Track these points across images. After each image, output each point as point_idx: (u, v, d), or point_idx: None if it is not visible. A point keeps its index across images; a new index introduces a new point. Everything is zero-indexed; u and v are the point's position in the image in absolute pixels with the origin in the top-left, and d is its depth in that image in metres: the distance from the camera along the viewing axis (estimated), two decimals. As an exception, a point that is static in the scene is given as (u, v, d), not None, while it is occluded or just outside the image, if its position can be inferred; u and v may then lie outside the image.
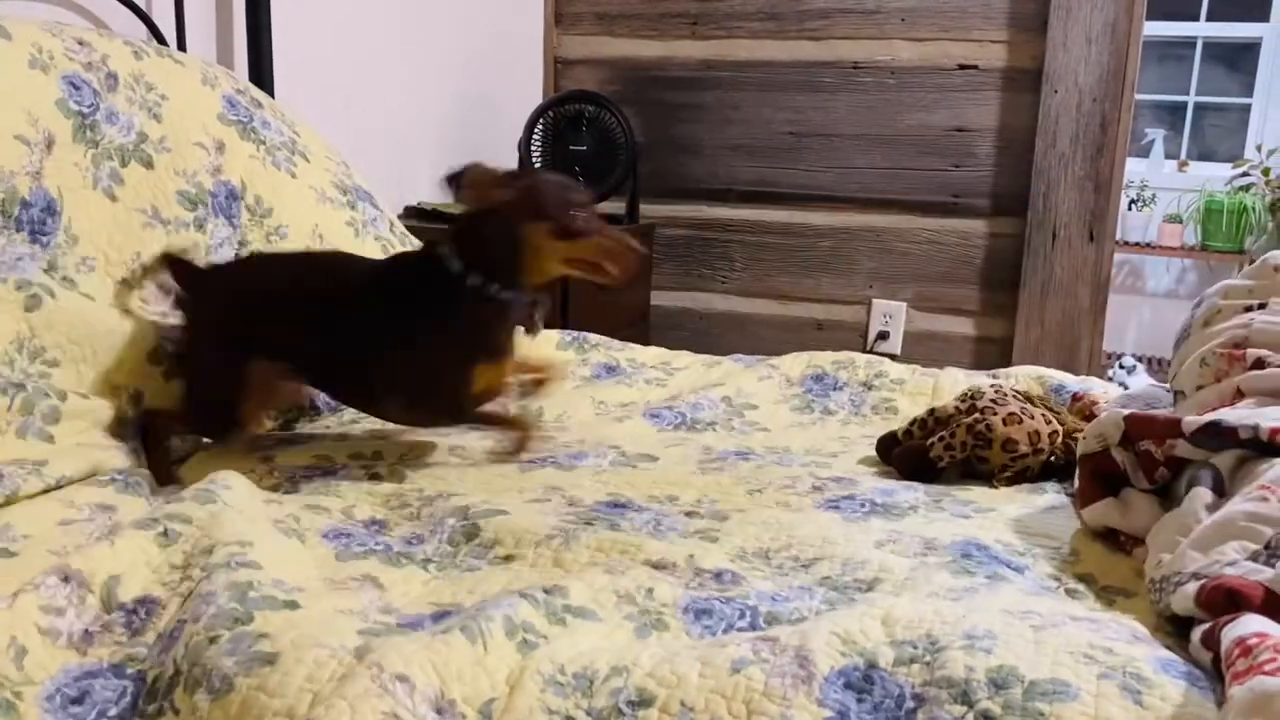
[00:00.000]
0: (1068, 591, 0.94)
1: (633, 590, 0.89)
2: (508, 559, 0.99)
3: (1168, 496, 1.01)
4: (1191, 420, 0.98)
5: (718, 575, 0.94)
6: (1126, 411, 1.05)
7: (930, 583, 0.92)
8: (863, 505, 1.15)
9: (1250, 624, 0.69)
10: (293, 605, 0.83)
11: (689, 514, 1.11)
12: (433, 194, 2.65)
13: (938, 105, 2.86)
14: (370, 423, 1.44)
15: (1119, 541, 1.03)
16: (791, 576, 0.95)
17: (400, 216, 2.39)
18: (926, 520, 1.11)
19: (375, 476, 1.23)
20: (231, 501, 1.04)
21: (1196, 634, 0.76)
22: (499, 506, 1.08)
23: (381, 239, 1.83)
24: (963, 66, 2.83)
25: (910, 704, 0.70)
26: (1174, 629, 0.82)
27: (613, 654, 0.78)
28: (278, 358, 1.32)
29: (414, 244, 1.92)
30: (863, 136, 2.92)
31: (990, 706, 0.67)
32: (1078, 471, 1.11)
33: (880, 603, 0.83)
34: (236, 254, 1.55)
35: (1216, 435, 0.95)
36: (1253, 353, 1.11)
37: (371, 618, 0.84)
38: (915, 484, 1.23)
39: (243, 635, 0.78)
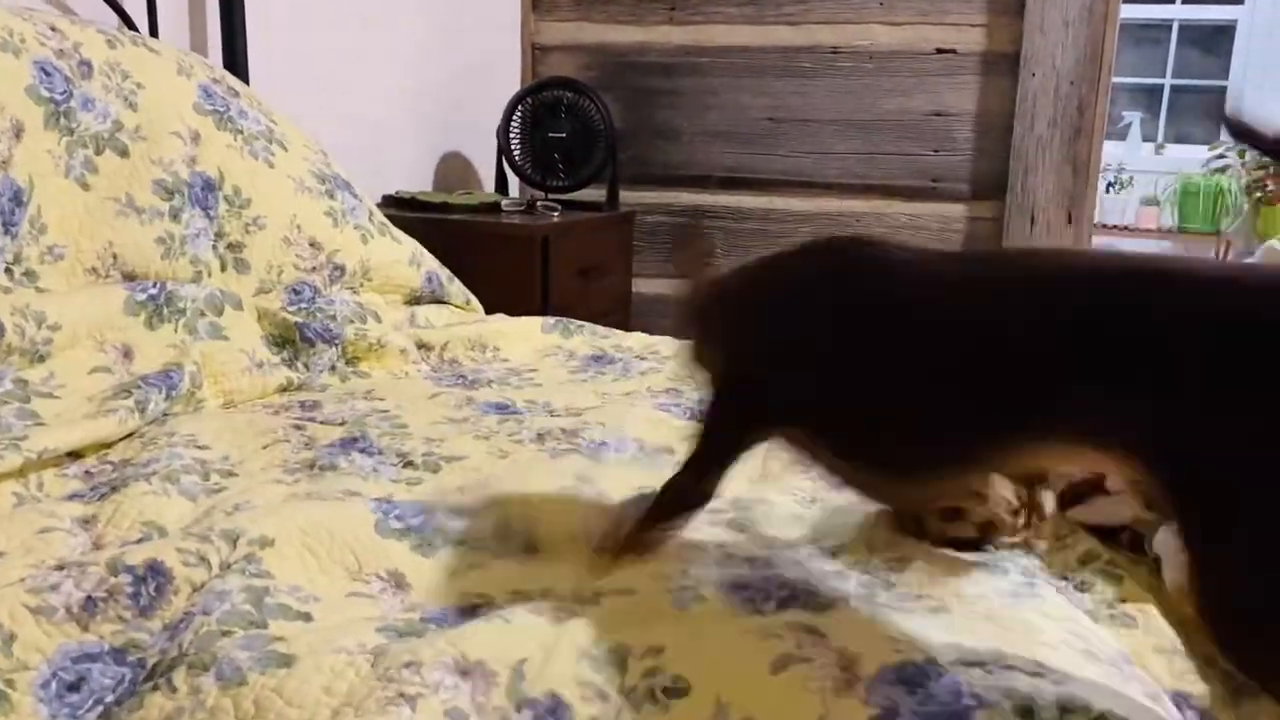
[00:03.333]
0: (1078, 587, 0.94)
1: (667, 570, 0.88)
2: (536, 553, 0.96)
3: None
4: None
5: (751, 560, 0.93)
6: None
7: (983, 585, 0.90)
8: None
9: None
10: (307, 618, 0.81)
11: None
12: (411, 182, 2.62)
13: (916, 89, 2.86)
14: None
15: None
16: (821, 561, 0.94)
17: (379, 205, 2.36)
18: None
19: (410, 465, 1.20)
20: (258, 514, 1.00)
21: None
22: (534, 510, 1.05)
23: (361, 228, 1.80)
24: (941, 50, 2.83)
25: (969, 701, 0.67)
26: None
27: (648, 633, 0.76)
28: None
29: (394, 234, 1.90)
30: (841, 121, 2.92)
31: None
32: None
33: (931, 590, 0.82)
34: None
35: None
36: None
37: (392, 619, 0.82)
38: None
39: (257, 636, 0.76)
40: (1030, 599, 0.87)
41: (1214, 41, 5.12)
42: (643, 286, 3.10)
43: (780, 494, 1.14)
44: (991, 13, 2.77)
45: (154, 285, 1.42)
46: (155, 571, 0.84)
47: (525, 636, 0.75)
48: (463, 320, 1.84)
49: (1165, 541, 0.95)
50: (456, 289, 1.95)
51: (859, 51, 2.88)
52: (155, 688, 0.72)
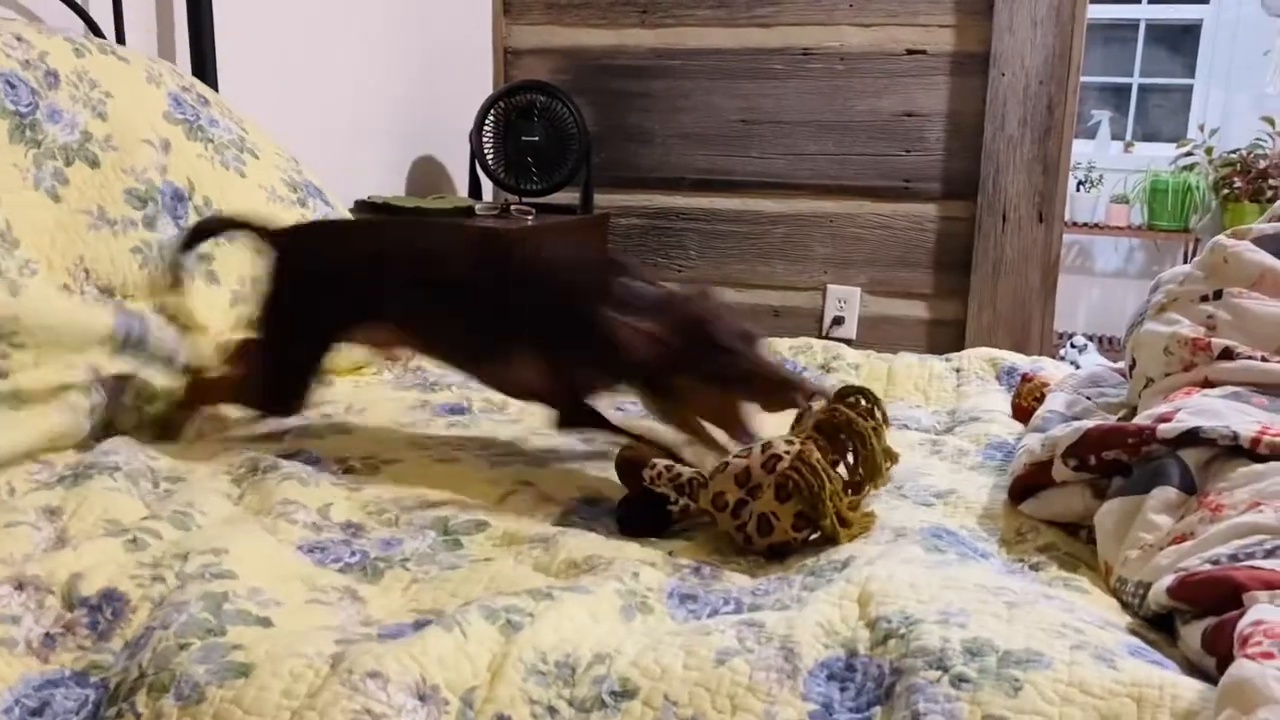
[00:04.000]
0: (1032, 567, 0.96)
1: (621, 572, 0.90)
2: (488, 560, 0.98)
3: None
4: (1169, 428, 0.98)
5: (696, 569, 0.95)
6: (1089, 424, 1.06)
7: (903, 554, 0.93)
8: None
9: (1252, 613, 0.69)
10: (267, 623, 0.81)
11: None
12: (383, 186, 2.62)
13: (887, 90, 2.88)
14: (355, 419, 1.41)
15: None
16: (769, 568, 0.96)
17: (351, 210, 2.36)
18: (890, 508, 1.12)
19: (350, 470, 1.21)
20: (207, 528, 1.01)
21: (1194, 635, 0.76)
22: (478, 516, 1.07)
23: (334, 235, 1.80)
24: (911, 51, 2.85)
25: (890, 679, 0.71)
26: (1150, 626, 0.83)
27: (596, 640, 0.77)
28: (391, 321, 1.28)
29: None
30: (813, 123, 2.94)
31: (965, 671, 0.69)
32: (1014, 473, 1.12)
33: (856, 577, 0.84)
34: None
35: (1194, 442, 0.96)
36: (1218, 343, 1.12)
37: (350, 631, 0.83)
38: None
39: (215, 646, 0.76)
40: (959, 563, 0.91)
41: (1180, 40, 5.18)
42: (618, 289, 3.10)
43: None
44: (960, 13, 2.79)
45: (139, 322, 1.40)
46: (111, 598, 0.85)
47: (480, 650, 0.76)
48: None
49: (1102, 517, 0.97)
50: (429, 294, 1.95)
51: (830, 53, 2.90)
52: (119, 714, 0.74)
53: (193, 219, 1.60)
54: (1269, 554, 0.81)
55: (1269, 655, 0.60)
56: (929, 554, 0.93)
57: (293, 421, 1.34)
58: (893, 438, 1.19)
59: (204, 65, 1.98)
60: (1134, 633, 0.80)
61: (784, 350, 1.78)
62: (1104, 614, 0.82)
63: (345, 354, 1.63)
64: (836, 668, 0.73)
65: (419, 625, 0.82)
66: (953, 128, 2.85)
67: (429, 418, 1.44)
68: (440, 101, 2.84)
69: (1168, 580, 0.81)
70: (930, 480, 1.19)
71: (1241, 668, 0.60)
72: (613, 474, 1.11)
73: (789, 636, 0.75)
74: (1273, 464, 0.92)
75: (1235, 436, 0.94)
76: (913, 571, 0.84)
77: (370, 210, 2.41)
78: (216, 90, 1.95)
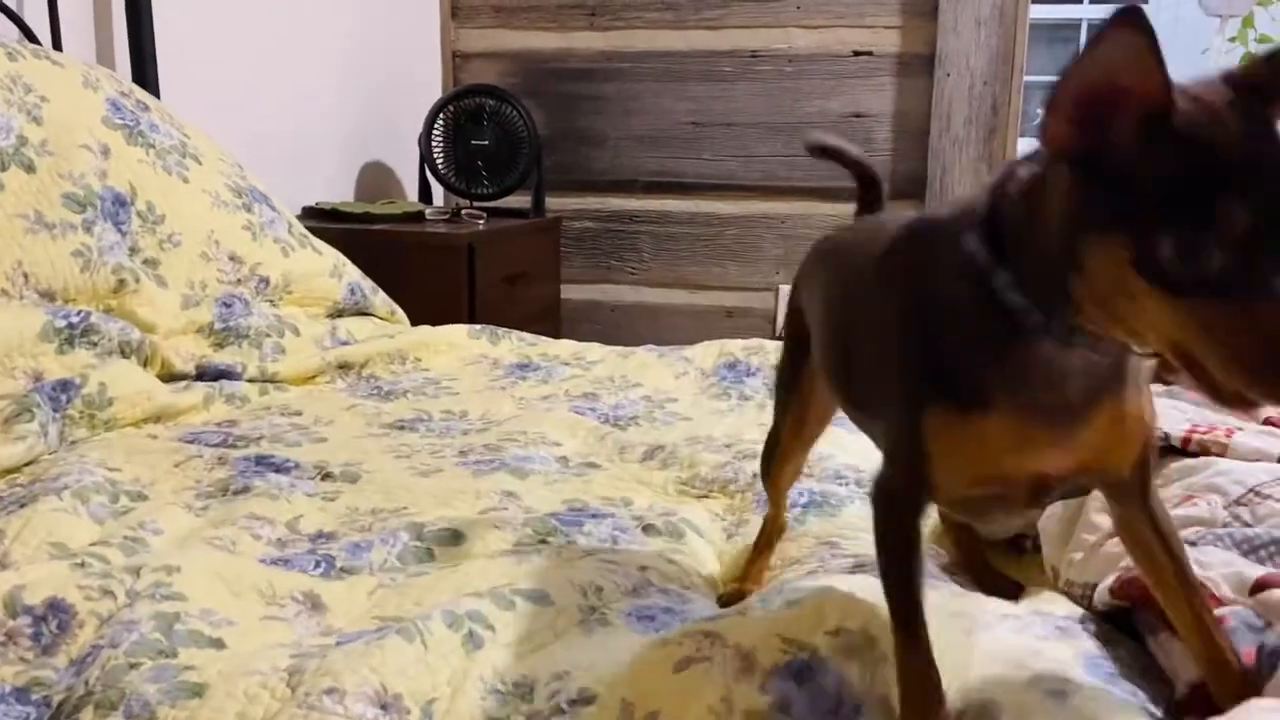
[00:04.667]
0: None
1: (583, 583, 0.89)
2: (456, 567, 0.97)
3: None
4: None
5: (664, 590, 0.95)
6: None
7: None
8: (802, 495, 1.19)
9: None
10: (220, 644, 0.80)
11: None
12: (331, 192, 2.59)
13: (835, 92, 2.90)
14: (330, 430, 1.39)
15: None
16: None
17: (299, 217, 2.33)
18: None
19: (328, 477, 1.20)
20: (160, 547, 0.99)
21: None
22: (453, 525, 1.06)
23: (280, 241, 1.78)
24: (858, 53, 2.87)
25: (850, 702, 0.71)
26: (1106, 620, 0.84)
27: (554, 660, 0.77)
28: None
29: (315, 245, 1.88)
30: (763, 124, 2.95)
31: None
32: None
33: (813, 591, 0.83)
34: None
35: None
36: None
37: (307, 644, 0.81)
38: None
39: (167, 667, 0.75)
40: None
41: (1121, 40, 5.28)
42: (572, 293, 3.10)
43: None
44: (906, 14, 2.82)
45: (77, 314, 1.39)
46: (56, 609, 0.82)
47: (440, 664, 0.76)
48: (386, 332, 1.82)
49: (1045, 522, 0.98)
50: (380, 300, 1.93)
51: (778, 55, 2.92)
52: (63, 731, 0.71)
53: (135, 225, 1.57)
54: (1194, 544, 0.83)
55: None
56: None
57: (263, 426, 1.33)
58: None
59: (144, 72, 1.94)
60: (1091, 626, 0.80)
61: (738, 351, 1.78)
62: (1056, 617, 0.82)
63: (294, 362, 1.62)
64: (797, 668, 0.73)
65: (381, 632, 0.81)
66: (900, 128, 2.88)
67: (400, 426, 1.42)
68: (389, 106, 2.82)
69: (1109, 579, 0.82)
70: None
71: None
72: (598, 486, 1.10)
73: (743, 644, 0.75)
74: (1203, 459, 0.94)
75: (1167, 437, 0.96)
76: (867, 588, 0.83)
77: (318, 216, 2.38)
78: (158, 97, 1.92)
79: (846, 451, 1.31)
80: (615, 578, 0.94)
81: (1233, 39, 4.61)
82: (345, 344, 1.74)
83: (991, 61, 2.75)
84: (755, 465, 1.09)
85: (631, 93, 3.01)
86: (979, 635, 0.77)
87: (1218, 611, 0.76)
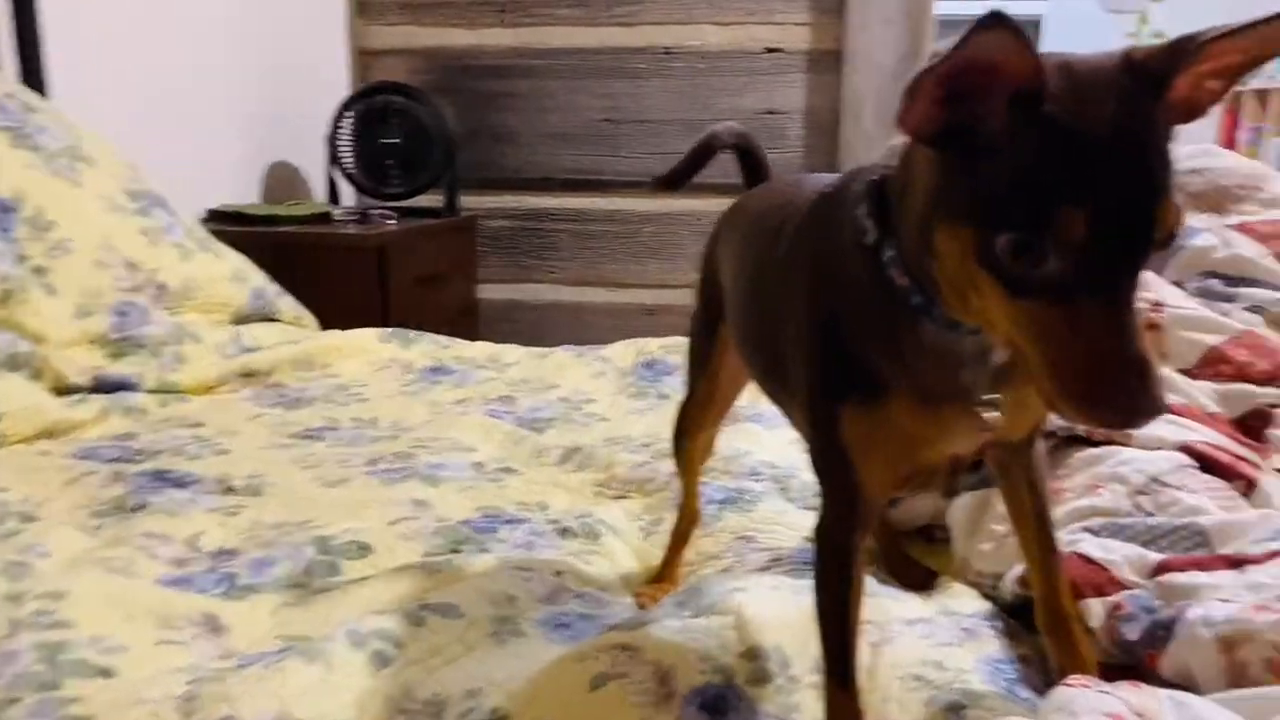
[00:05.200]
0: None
1: (495, 592, 0.87)
2: (364, 581, 0.94)
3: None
4: None
5: (579, 595, 0.93)
6: None
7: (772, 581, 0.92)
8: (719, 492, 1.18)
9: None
10: (109, 673, 0.76)
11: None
12: (235, 194, 2.52)
13: (748, 88, 2.91)
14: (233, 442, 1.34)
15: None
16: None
17: (202, 220, 2.26)
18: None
19: (230, 490, 1.15)
20: (47, 571, 0.93)
21: None
22: (361, 538, 1.03)
23: (179, 246, 1.72)
24: (769, 49, 2.89)
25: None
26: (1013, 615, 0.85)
27: (466, 675, 0.75)
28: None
29: (216, 250, 1.82)
30: (678, 121, 2.95)
31: None
32: None
33: (730, 604, 0.82)
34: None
35: None
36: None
37: (204, 668, 0.78)
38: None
39: (49, 700, 0.71)
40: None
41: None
42: (489, 293, 3.06)
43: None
44: (814, 11, 2.84)
45: None
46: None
47: (345, 685, 0.73)
48: (293, 338, 1.77)
49: (953, 513, 0.99)
50: (287, 305, 1.88)
51: (691, 52, 2.92)
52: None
53: (23, 232, 1.50)
54: (1097, 533, 0.84)
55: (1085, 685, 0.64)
56: (795, 580, 0.92)
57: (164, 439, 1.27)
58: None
59: (33, 73, 1.86)
60: (997, 623, 0.81)
61: (655, 350, 1.77)
62: (960, 618, 0.82)
63: (195, 371, 1.57)
64: (709, 695, 0.72)
65: (283, 653, 0.78)
66: (812, 124, 2.90)
67: (307, 436, 1.38)
68: (294, 105, 2.75)
69: (1016, 570, 0.83)
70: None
71: (1063, 693, 0.63)
72: (513, 491, 1.08)
73: (662, 661, 0.73)
74: (1106, 448, 0.96)
75: (1071, 426, 0.98)
76: (782, 599, 0.83)
77: (222, 219, 2.31)
78: (47, 98, 1.84)
79: (762, 448, 1.31)
80: (529, 585, 0.92)
81: (1130, 35, 4.74)
82: (250, 351, 1.69)
83: (900, 58, 2.78)
84: (672, 464, 1.07)
85: (545, 90, 2.98)
86: (885, 649, 0.77)
87: (1114, 597, 0.77)
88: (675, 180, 0.98)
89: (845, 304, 0.65)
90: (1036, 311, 0.51)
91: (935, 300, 0.60)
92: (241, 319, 1.78)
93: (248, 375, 1.62)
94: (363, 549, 1.01)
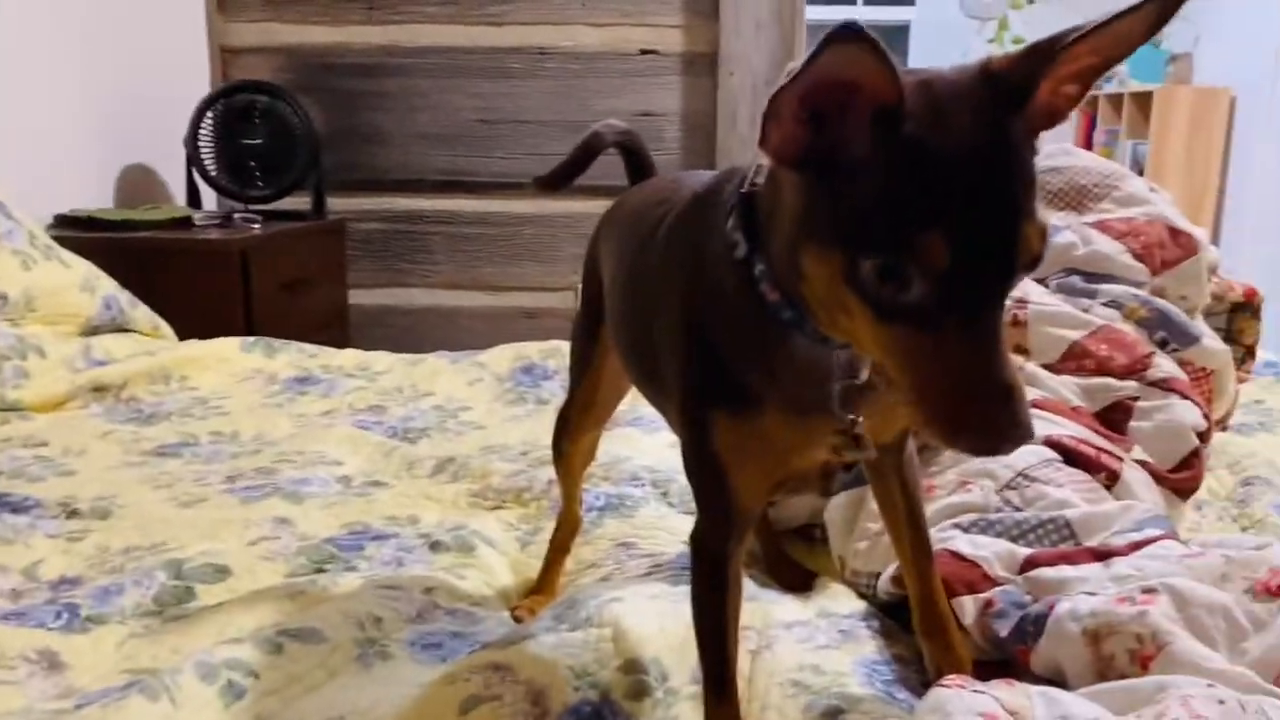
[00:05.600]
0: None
1: (361, 614, 0.83)
2: (220, 607, 0.89)
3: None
4: None
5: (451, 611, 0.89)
6: None
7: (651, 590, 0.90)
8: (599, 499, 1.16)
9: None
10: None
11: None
12: (87, 198, 2.38)
13: (624, 90, 2.90)
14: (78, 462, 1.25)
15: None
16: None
17: (50, 226, 2.12)
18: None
19: (74, 514, 1.07)
20: None
21: None
22: (218, 560, 0.96)
23: (20, 253, 1.61)
24: (644, 51, 2.88)
25: None
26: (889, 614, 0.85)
27: (327, 703, 0.71)
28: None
29: (63, 257, 1.71)
30: (554, 123, 2.91)
31: None
32: None
33: (607, 615, 0.80)
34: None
35: None
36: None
37: (39, 711, 0.72)
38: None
39: None
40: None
41: (893, 39, 5.56)
42: (361, 298, 2.97)
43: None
44: (688, 14, 2.84)
45: None
46: None
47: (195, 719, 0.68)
48: (148, 350, 1.68)
49: (830, 513, 0.99)
50: (141, 314, 1.78)
51: (565, 53, 2.89)
52: None
53: None
54: (967, 529, 0.85)
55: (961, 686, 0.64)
56: (675, 586, 0.91)
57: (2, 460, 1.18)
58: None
59: None
60: (874, 623, 0.81)
61: (534, 354, 1.74)
62: (839, 620, 0.82)
63: (39, 387, 1.47)
64: (584, 713, 0.69)
65: (127, 689, 0.72)
66: (688, 127, 2.91)
67: (162, 453, 1.30)
68: (151, 104, 2.61)
69: (891, 569, 0.83)
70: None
71: (938, 694, 0.64)
72: (381, 506, 1.04)
73: (535, 680, 0.71)
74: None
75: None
76: (660, 609, 0.81)
77: (71, 225, 2.18)
78: None
79: (642, 453, 1.29)
80: (397, 605, 0.89)
81: (991, 40, 4.92)
82: (101, 364, 1.59)
83: (773, 62, 2.81)
84: (551, 472, 1.05)
85: (416, 89, 2.91)
86: (764, 655, 0.76)
87: (988, 593, 0.78)
88: (557, 180, 0.96)
89: (717, 313, 0.64)
90: (904, 337, 0.51)
91: (806, 316, 0.58)
92: (91, 330, 1.68)
93: (98, 390, 1.53)
94: (220, 572, 0.96)
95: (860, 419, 0.63)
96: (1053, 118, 0.55)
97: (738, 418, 0.64)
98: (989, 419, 0.49)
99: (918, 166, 0.49)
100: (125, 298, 1.76)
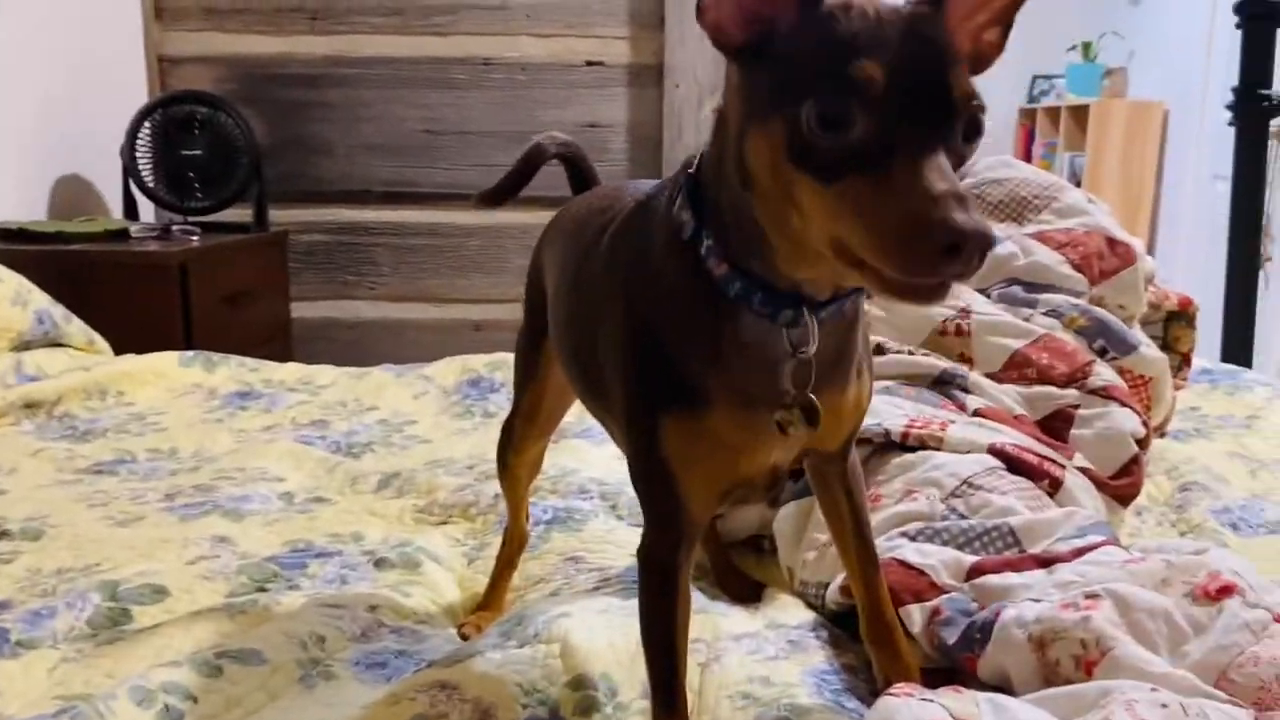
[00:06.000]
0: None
1: (303, 634, 0.81)
2: (157, 629, 0.86)
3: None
4: None
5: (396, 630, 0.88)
6: None
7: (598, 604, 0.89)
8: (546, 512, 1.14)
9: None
10: None
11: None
12: (18, 210, 2.32)
13: (570, 101, 2.90)
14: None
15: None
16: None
17: (-22, 238, 2.07)
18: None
19: (4, 535, 1.04)
20: None
21: None
22: (155, 580, 0.94)
23: (-54, 267, 1.57)
24: (590, 63, 2.88)
25: None
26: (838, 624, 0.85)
27: None
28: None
29: (-8, 271, 1.67)
30: (499, 133, 2.90)
31: None
32: None
33: (556, 631, 0.79)
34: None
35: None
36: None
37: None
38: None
39: None
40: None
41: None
42: (305, 311, 2.93)
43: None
44: (634, 25, 2.85)
45: None
46: None
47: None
48: (82, 365, 1.64)
49: (779, 524, 1.00)
50: (76, 329, 1.74)
51: (510, 63, 2.88)
52: None
53: None
54: (914, 538, 0.85)
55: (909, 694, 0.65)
56: (624, 601, 0.90)
57: None
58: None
59: None
60: (823, 633, 0.81)
61: (480, 367, 1.73)
62: (788, 630, 0.82)
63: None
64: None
65: (58, 716, 0.70)
66: (635, 138, 2.91)
67: (97, 471, 1.27)
68: (87, 114, 2.55)
69: (838, 579, 0.83)
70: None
71: (886, 704, 0.64)
72: (324, 522, 1.03)
73: (482, 698, 0.70)
74: (921, 453, 0.98)
75: (887, 433, 0.99)
76: (609, 623, 0.80)
77: (2, 238, 2.12)
78: None
79: (590, 465, 1.29)
80: (340, 623, 0.87)
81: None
82: (34, 380, 1.55)
83: (717, 74, 2.82)
84: (498, 486, 1.04)
85: (360, 99, 2.88)
86: (714, 668, 0.76)
87: (933, 601, 0.78)
88: (499, 196, 0.95)
89: (662, 309, 0.64)
90: (853, 192, 0.51)
91: (753, 289, 0.60)
92: (23, 345, 1.63)
93: (30, 406, 1.49)
94: (157, 593, 0.94)
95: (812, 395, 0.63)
96: (979, 61, 0.58)
97: (685, 418, 0.63)
98: (944, 238, 0.48)
99: (846, 19, 0.53)
100: (59, 312, 1.72)
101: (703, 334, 0.62)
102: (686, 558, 0.67)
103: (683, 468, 0.64)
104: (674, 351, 0.63)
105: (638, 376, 0.66)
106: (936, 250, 0.48)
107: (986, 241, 0.48)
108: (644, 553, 0.68)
